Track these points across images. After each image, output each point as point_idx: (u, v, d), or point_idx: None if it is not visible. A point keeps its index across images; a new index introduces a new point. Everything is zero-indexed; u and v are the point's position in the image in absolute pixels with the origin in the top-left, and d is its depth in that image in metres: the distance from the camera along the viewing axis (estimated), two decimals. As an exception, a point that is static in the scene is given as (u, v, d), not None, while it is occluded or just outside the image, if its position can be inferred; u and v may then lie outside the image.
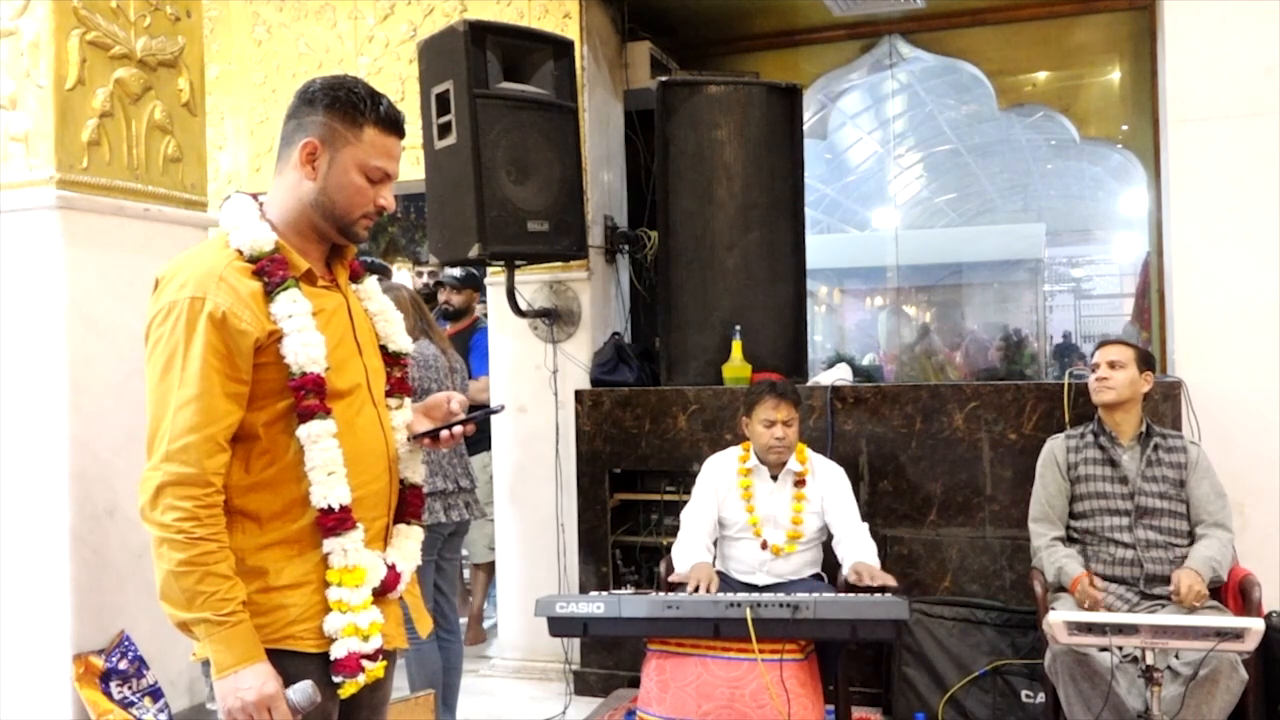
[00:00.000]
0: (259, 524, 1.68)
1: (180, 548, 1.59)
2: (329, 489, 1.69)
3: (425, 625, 1.98)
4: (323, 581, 1.71)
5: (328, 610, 1.71)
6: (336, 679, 1.70)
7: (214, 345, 1.62)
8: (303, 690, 1.64)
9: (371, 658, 1.73)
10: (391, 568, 1.81)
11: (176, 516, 1.59)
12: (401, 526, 1.89)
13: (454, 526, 3.51)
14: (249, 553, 1.67)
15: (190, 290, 1.64)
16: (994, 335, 11.14)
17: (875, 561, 3.24)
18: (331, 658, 1.70)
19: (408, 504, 1.91)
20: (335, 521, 1.70)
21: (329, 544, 1.70)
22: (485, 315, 5.26)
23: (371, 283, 1.96)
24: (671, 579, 3.36)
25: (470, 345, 4.98)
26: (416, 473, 1.93)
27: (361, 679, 1.72)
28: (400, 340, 1.96)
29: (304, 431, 1.68)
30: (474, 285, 5.15)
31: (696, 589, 3.12)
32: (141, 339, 1.71)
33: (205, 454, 1.60)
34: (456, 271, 5.14)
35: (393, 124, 1.77)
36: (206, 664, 1.72)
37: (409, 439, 1.91)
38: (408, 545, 1.88)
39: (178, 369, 1.62)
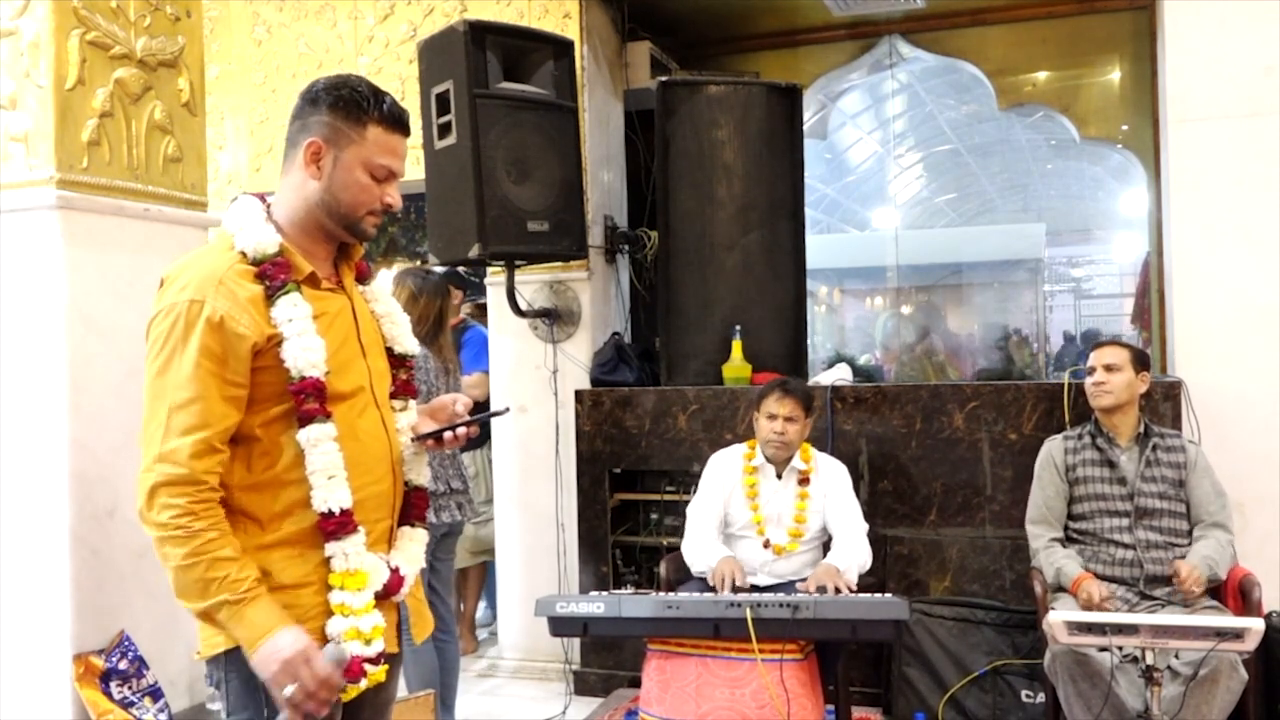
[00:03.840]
0: (260, 525, 1.68)
1: (181, 543, 1.59)
2: (330, 493, 1.68)
3: (424, 630, 1.96)
4: (325, 582, 1.70)
5: (330, 612, 1.70)
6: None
7: (210, 349, 1.62)
8: (331, 651, 1.64)
9: (374, 661, 1.72)
10: (395, 571, 1.80)
11: (173, 514, 1.59)
12: (405, 529, 1.88)
13: (446, 528, 3.50)
14: (250, 553, 1.67)
15: (190, 293, 1.64)
16: (993, 335, 11.15)
17: (851, 563, 3.22)
18: None
19: (412, 506, 1.90)
20: (336, 525, 1.69)
21: (330, 548, 1.70)
22: (472, 316, 5.23)
23: (378, 284, 1.96)
24: (697, 572, 3.34)
25: (460, 344, 4.95)
26: (421, 475, 1.92)
27: (363, 683, 1.71)
28: (406, 342, 1.96)
29: (304, 435, 1.68)
30: (454, 283, 5.06)
31: (726, 583, 3.13)
32: (142, 338, 1.71)
33: (197, 455, 1.60)
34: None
35: (397, 121, 1.76)
36: (210, 663, 1.72)
37: (413, 440, 1.91)
38: (411, 548, 1.87)
39: (174, 371, 1.62)
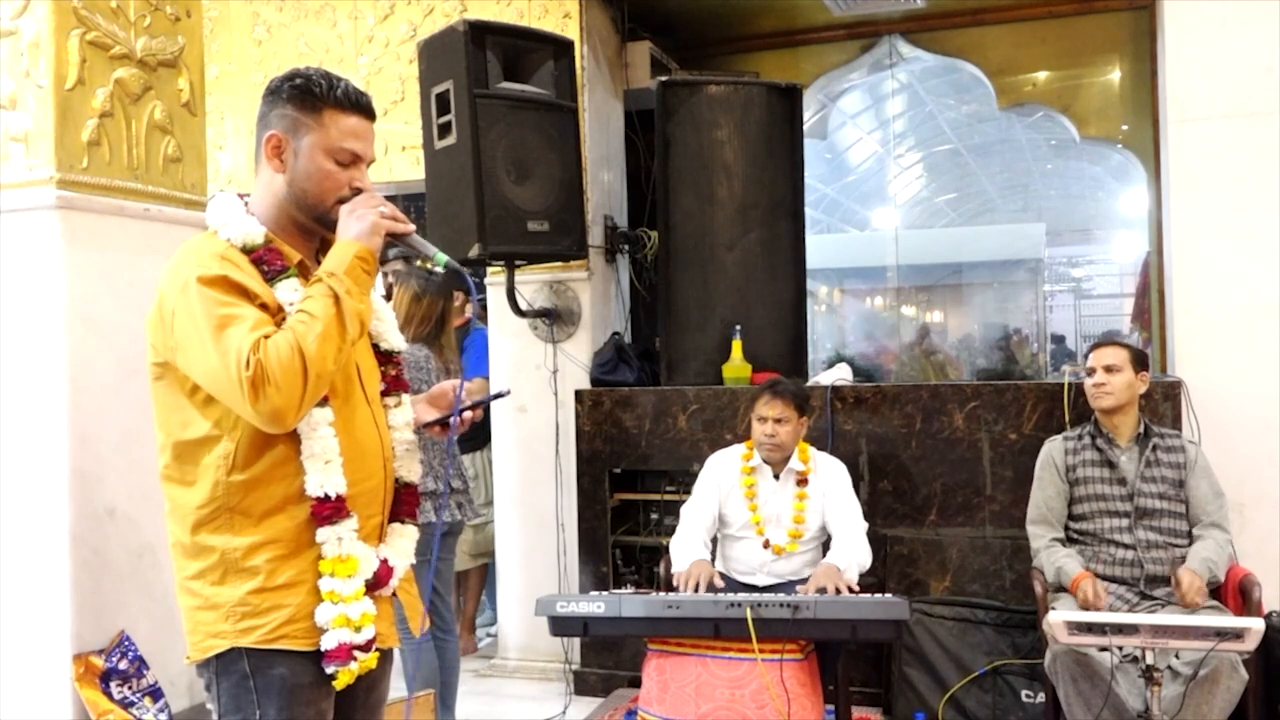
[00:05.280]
0: (253, 521, 1.67)
1: (298, 341, 1.59)
2: (326, 478, 1.68)
3: (417, 622, 1.97)
4: (316, 583, 1.69)
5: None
6: (329, 669, 1.69)
7: (230, 296, 1.62)
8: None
9: (364, 648, 1.72)
10: (384, 562, 1.79)
11: (278, 354, 1.57)
12: (396, 525, 1.88)
13: (446, 527, 3.50)
14: (243, 552, 1.66)
15: (195, 269, 1.64)
16: (994, 335, 11.15)
17: (851, 564, 3.21)
18: (322, 648, 1.69)
19: (402, 503, 1.90)
20: (331, 510, 1.69)
21: (323, 534, 1.69)
22: (477, 319, 5.23)
23: None
24: (674, 574, 3.34)
25: (463, 346, 4.93)
26: (413, 471, 1.92)
27: (354, 667, 1.71)
28: (392, 338, 1.95)
29: (300, 421, 1.67)
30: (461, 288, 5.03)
31: (697, 587, 3.12)
32: (143, 338, 1.70)
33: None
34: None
35: (353, 104, 1.75)
36: (201, 666, 1.72)
37: (416, 430, 1.91)
38: (401, 543, 1.87)
39: (215, 325, 1.59)
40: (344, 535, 1.70)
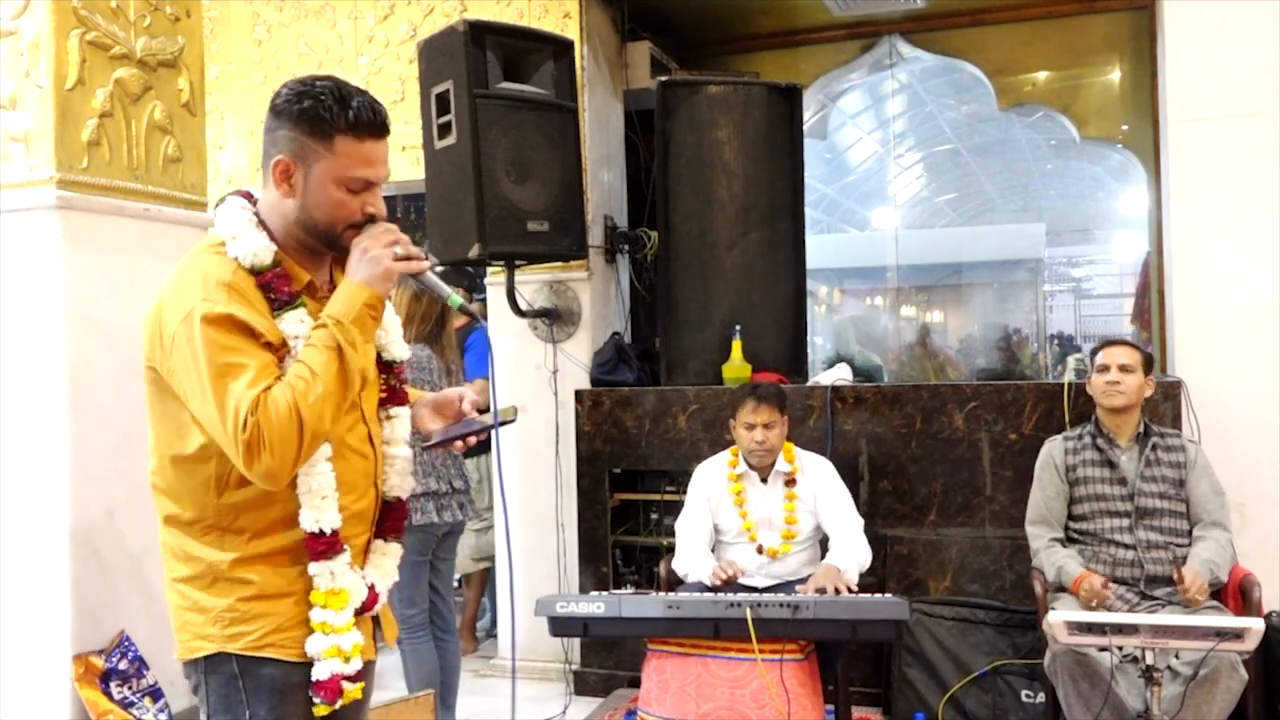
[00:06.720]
0: (244, 540, 1.65)
1: (297, 403, 1.55)
2: (321, 513, 1.66)
3: (391, 632, 1.94)
4: (305, 594, 1.68)
5: (308, 621, 1.67)
6: (316, 699, 1.68)
7: (237, 332, 1.58)
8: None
9: (352, 679, 1.70)
10: (371, 588, 1.77)
11: (276, 417, 1.53)
12: (379, 543, 1.85)
13: (447, 527, 3.49)
14: (233, 566, 1.65)
15: (201, 301, 1.58)
16: (994, 335, 11.14)
17: (851, 563, 3.22)
18: (313, 679, 1.67)
19: (388, 519, 1.87)
20: (325, 545, 1.66)
21: (315, 568, 1.67)
22: (483, 316, 5.23)
23: None
24: (710, 579, 3.33)
25: (465, 346, 4.92)
26: (402, 488, 1.88)
27: (338, 704, 1.69)
28: (396, 349, 1.91)
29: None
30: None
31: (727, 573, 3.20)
32: (145, 341, 1.67)
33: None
34: None
35: (367, 127, 1.65)
36: (189, 665, 1.70)
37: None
38: (385, 563, 1.84)
39: (216, 372, 1.55)
40: (337, 570, 1.68)
